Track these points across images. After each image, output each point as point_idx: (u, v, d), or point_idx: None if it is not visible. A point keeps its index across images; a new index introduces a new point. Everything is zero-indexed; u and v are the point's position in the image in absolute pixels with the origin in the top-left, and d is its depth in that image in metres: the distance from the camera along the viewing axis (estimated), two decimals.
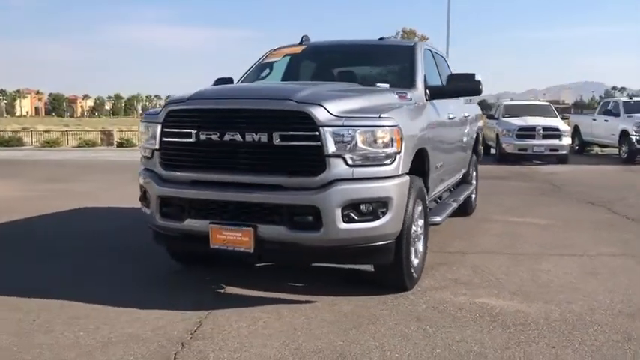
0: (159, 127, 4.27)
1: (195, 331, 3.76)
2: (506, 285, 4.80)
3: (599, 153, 21.72)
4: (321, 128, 3.83)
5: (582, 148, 21.37)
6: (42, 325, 3.84)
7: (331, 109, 3.89)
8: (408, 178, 4.19)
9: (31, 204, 8.94)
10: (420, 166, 4.65)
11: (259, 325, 3.86)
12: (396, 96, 4.68)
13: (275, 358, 3.38)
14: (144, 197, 4.56)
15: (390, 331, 3.77)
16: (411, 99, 4.82)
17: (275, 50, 6.27)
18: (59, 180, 12.48)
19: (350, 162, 3.88)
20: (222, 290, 4.64)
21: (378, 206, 3.97)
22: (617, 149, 18.78)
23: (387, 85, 5.11)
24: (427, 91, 5.27)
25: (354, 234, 3.94)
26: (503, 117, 18.73)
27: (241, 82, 5.89)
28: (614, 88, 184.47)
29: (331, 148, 3.84)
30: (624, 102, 19.62)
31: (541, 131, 17.36)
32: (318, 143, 3.84)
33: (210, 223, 4.07)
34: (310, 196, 3.86)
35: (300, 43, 6.23)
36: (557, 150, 17.27)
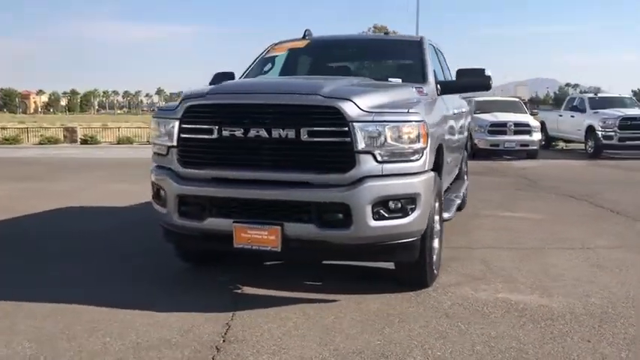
0: (176, 124, 4.11)
1: (225, 333, 3.63)
2: (521, 279, 4.83)
3: (564, 148, 22.30)
4: (351, 124, 3.74)
5: (548, 144, 21.85)
6: (62, 332, 3.65)
7: (360, 104, 3.81)
8: (432, 174, 4.15)
9: (9, 204, 8.57)
10: (435, 161, 4.62)
11: (290, 326, 3.76)
12: (415, 91, 4.63)
13: (317, 359, 3.28)
14: (157, 195, 4.39)
15: (424, 329, 3.72)
16: (427, 94, 4.78)
17: (277, 44, 6.14)
18: (31, 179, 12.01)
19: (379, 158, 3.81)
20: (240, 291, 4.51)
21: (407, 203, 3.92)
22: (584, 144, 19.33)
23: (399, 81, 5.05)
24: (438, 86, 5.24)
25: (384, 231, 3.87)
26: (475, 113, 18.96)
27: (245, 77, 5.74)
28: (567, 84, 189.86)
29: (361, 143, 3.76)
30: (590, 98, 20.20)
31: (512, 127, 17.69)
32: (348, 139, 3.76)
33: (233, 222, 3.94)
34: (341, 193, 3.78)
35: (304, 37, 6.12)
36: (527, 145, 17.64)
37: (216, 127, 3.94)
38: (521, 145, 17.57)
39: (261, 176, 3.94)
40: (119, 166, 15.12)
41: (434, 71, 5.38)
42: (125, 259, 5.44)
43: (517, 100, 22.48)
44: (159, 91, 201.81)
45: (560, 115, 21.17)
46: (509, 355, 3.36)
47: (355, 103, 3.79)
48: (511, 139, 17.56)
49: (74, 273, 5.00)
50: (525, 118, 18.40)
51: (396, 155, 3.86)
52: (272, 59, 5.91)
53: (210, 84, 5.77)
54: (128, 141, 25.46)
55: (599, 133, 18.11)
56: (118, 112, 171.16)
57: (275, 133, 3.82)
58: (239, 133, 3.89)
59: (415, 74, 5.30)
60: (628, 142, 17.79)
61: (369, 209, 3.78)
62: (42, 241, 6.21)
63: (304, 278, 4.82)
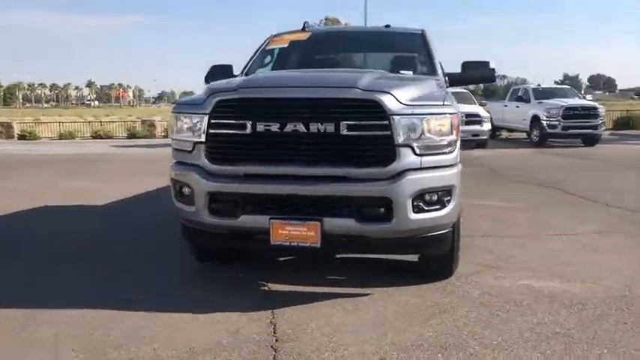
0: (204, 119, 3.96)
1: (275, 332, 3.56)
2: (534, 266, 4.97)
3: (508, 137, 23.12)
4: (391, 117, 3.73)
5: (493, 133, 22.56)
6: (107, 340, 3.47)
7: (399, 97, 3.80)
8: (460, 165, 4.20)
9: None
10: None
11: (336, 322, 3.73)
12: (435, 83, 4.66)
13: (380, 354, 3.27)
14: (180, 193, 4.23)
15: (467, 319, 3.77)
16: (442, 87, 4.83)
17: (276, 36, 6.03)
18: None
19: (417, 151, 3.82)
20: (266, 288, 4.43)
21: (443, 195, 3.95)
22: (528, 133, 20.14)
23: (411, 73, 5.08)
24: (446, 78, 5.31)
25: (423, 224, 3.89)
26: None
27: (247, 69, 5.61)
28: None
29: (401, 137, 3.76)
30: (534, 89, 21.05)
31: (464, 117, 18.12)
32: (388, 132, 3.74)
33: (270, 219, 3.85)
34: (382, 187, 3.76)
35: (303, 29, 6.04)
36: (478, 135, 18.17)
37: (250, 122, 3.83)
38: (473, 135, 18.05)
39: (298, 171, 3.86)
40: (68, 162, 14.52)
41: (440, 63, 5.43)
42: (137, 259, 5.26)
43: (466, 91, 23.06)
44: (89, 84, 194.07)
45: (506, 106, 21.94)
46: (558, 340, 3.45)
47: (394, 96, 3.78)
48: (463, 129, 17.95)
49: (94, 276, 4.78)
50: (476, 108, 18.93)
51: (432, 148, 3.88)
52: (273, 51, 5.80)
53: (208, 77, 5.63)
54: (70, 136, 24.42)
55: (544, 122, 18.92)
56: (46, 105, 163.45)
57: (313, 128, 3.76)
58: (275, 128, 3.80)
59: (424, 67, 5.35)
60: (570, 131, 18.68)
61: (409, 202, 3.79)
62: (43, 244, 5.89)
63: (325, 273, 4.79)
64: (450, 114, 3.93)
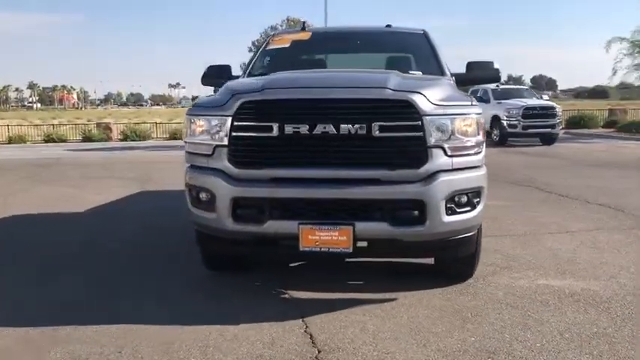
0: (227, 121, 3.79)
1: (314, 343, 3.43)
2: (544, 265, 5.00)
3: None
4: (423, 117, 3.66)
5: None
6: (136, 356, 3.25)
7: (430, 97, 3.73)
8: (485, 167, 4.16)
9: None
10: None
11: (373, 330, 3.62)
12: (451, 84, 4.62)
13: None
14: (198, 200, 4.03)
15: (503, 321, 3.74)
16: (455, 87, 4.79)
17: (276, 36, 5.88)
18: None
19: (449, 152, 3.76)
20: (287, 296, 4.29)
21: (473, 196, 3.91)
22: (488, 133, 20.52)
23: (420, 73, 5.03)
24: (453, 78, 5.28)
25: (455, 226, 3.83)
26: None
27: (249, 70, 5.44)
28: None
29: (432, 137, 3.69)
30: (493, 90, 21.48)
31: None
32: (420, 133, 3.67)
33: (299, 224, 3.71)
34: (416, 189, 3.68)
35: (303, 29, 5.91)
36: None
37: (277, 124, 3.69)
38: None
39: (328, 175, 3.74)
40: (29, 167, 13.90)
41: (446, 64, 5.40)
42: (143, 270, 5.01)
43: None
44: (31, 86, 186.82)
45: None
46: (599, 340, 3.45)
47: (426, 97, 3.71)
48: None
49: (107, 288, 4.52)
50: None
51: (461, 149, 3.83)
52: (274, 51, 5.64)
53: (205, 77, 5.44)
54: (21, 140, 23.40)
55: (504, 122, 19.41)
56: None
57: (344, 129, 3.64)
58: (304, 130, 3.67)
59: (431, 67, 5.29)
60: (530, 130, 19.22)
61: (443, 205, 3.72)
62: (29, 253, 5.53)
63: (341, 278, 4.67)
64: (476, 114, 3.90)
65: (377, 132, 3.63)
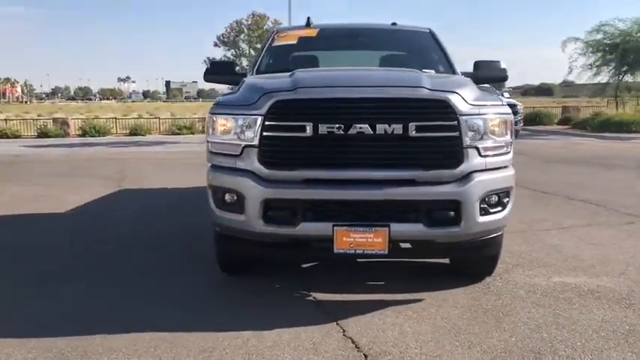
0: (259, 120, 3.68)
1: (357, 348, 3.36)
2: (552, 262, 5.08)
3: None
4: (460, 117, 3.64)
5: None
6: None
7: (466, 97, 3.72)
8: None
9: None
10: None
11: (411, 332, 3.59)
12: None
13: None
14: (223, 201, 3.90)
15: (536, 320, 3.76)
16: None
17: (281, 33, 5.76)
18: None
19: (482, 152, 3.76)
20: (312, 298, 4.21)
21: (504, 196, 3.92)
22: None
23: (433, 72, 5.01)
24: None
25: (487, 226, 3.84)
26: None
27: (257, 67, 5.31)
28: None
29: (468, 137, 3.68)
30: None
31: None
32: (457, 133, 3.65)
33: (334, 226, 3.64)
34: (452, 190, 3.67)
35: (307, 25, 5.81)
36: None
37: (311, 123, 3.60)
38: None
39: (363, 175, 3.68)
40: None
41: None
42: (152, 273, 4.82)
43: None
44: None
45: None
46: (632, 337, 3.51)
47: (462, 96, 3.69)
48: None
49: (120, 294, 4.32)
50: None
51: (493, 149, 3.84)
52: (282, 48, 5.52)
53: (208, 74, 5.29)
54: None
55: None
56: None
57: (380, 129, 3.59)
58: (339, 130, 3.59)
59: (441, 66, 5.29)
60: None
61: (477, 205, 3.72)
62: (35, 260, 5.24)
63: (359, 278, 4.62)
64: (507, 114, 3.91)
65: (413, 132, 3.60)
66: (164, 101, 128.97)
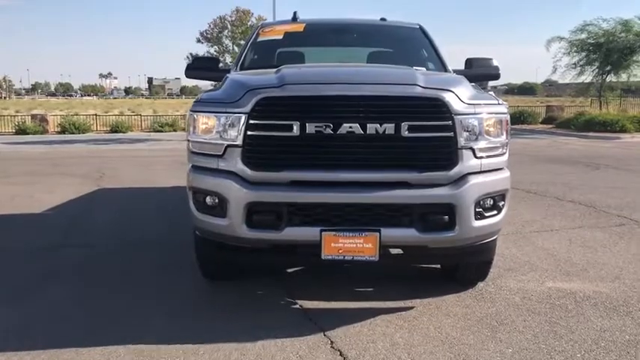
0: (242, 119, 3.46)
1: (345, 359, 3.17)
2: (544, 266, 4.94)
3: None
4: (455, 117, 3.46)
5: None
6: None
7: (462, 95, 3.54)
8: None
9: None
10: None
11: (403, 343, 3.41)
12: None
13: None
14: (204, 204, 3.68)
15: (533, 330, 3.61)
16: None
17: (266, 27, 5.53)
18: None
19: (477, 153, 3.59)
20: (299, 306, 4.00)
21: (499, 199, 3.75)
22: None
23: (424, 69, 4.83)
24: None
25: (482, 231, 3.66)
26: None
27: (241, 63, 5.08)
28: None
29: (463, 138, 3.50)
30: None
31: None
32: (451, 134, 3.47)
33: (322, 231, 3.44)
34: (447, 193, 3.48)
35: (294, 20, 5.59)
36: None
37: (298, 122, 3.39)
38: None
39: (353, 177, 3.48)
40: None
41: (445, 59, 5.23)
42: (132, 278, 4.58)
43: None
44: None
45: None
46: (635, 347, 3.36)
47: (457, 95, 3.51)
48: None
49: (97, 303, 4.06)
50: None
51: (488, 150, 3.67)
52: (266, 43, 5.30)
53: (190, 70, 5.07)
54: None
55: None
56: None
57: (371, 129, 3.39)
58: (327, 129, 3.39)
59: (432, 63, 5.11)
60: None
61: (472, 209, 3.54)
62: (19, 262, 4.97)
63: (346, 284, 4.43)
64: (503, 114, 3.74)
65: (406, 132, 3.40)
66: (146, 98, 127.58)
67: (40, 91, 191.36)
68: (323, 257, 3.46)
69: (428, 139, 3.47)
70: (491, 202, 3.70)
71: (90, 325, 3.63)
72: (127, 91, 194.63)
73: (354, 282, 4.47)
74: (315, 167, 3.47)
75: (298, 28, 5.34)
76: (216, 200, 3.60)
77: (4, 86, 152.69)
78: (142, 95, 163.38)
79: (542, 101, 46.11)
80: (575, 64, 26.12)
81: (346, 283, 4.43)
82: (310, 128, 3.39)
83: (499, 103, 3.75)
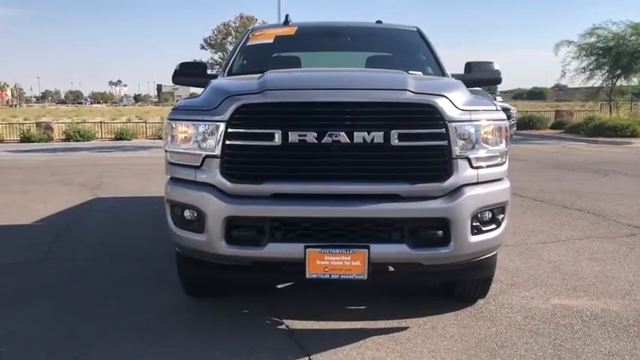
0: (221, 127, 3.23)
1: None
2: (550, 281, 4.68)
3: None
4: (449, 124, 3.21)
5: None
6: None
7: (455, 101, 3.29)
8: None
9: None
10: None
11: None
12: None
13: None
14: (182, 219, 3.45)
15: (535, 354, 3.35)
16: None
17: (256, 31, 5.31)
18: None
19: (474, 163, 3.33)
20: (285, 327, 3.75)
21: (498, 212, 3.49)
22: None
23: (420, 74, 4.59)
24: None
25: (480, 247, 3.40)
26: None
27: (229, 68, 4.86)
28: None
29: (458, 147, 3.25)
30: None
31: None
32: (445, 142, 3.22)
33: (306, 247, 3.19)
34: (440, 206, 3.23)
35: (286, 23, 5.37)
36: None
37: (280, 131, 3.16)
38: None
39: (340, 190, 3.23)
40: None
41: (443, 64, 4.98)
42: (109, 296, 4.35)
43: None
44: None
45: None
46: None
47: (450, 100, 3.26)
48: None
49: (68, 323, 3.81)
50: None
51: (486, 159, 3.41)
52: (256, 47, 5.07)
53: (177, 76, 4.86)
54: None
55: None
56: None
57: (358, 137, 3.15)
58: (312, 138, 3.15)
59: (430, 67, 4.86)
60: None
61: (468, 223, 3.28)
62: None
63: (338, 301, 4.18)
64: (502, 120, 3.48)
65: (396, 141, 3.16)
66: (155, 104, 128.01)
67: (50, 99, 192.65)
68: (308, 276, 3.21)
69: (420, 148, 3.22)
70: (490, 216, 3.44)
71: (54, 355, 3.38)
72: (137, 99, 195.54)
73: (345, 299, 4.22)
74: (299, 179, 3.23)
75: (289, 31, 5.11)
76: (195, 214, 3.37)
77: (15, 94, 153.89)
78: (152, 102, 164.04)
79: (551, 106, 45.64)
80: (584, 68, 25.74)
81: (336, 300, 4.17)
82: (293, 137, 3.15)
83: (497, 109, 3.50)
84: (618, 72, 24.89)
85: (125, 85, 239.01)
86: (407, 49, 5.26)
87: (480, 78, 4.96)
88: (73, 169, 12.65)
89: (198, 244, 3.36)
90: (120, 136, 22.97)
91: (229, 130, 3.22)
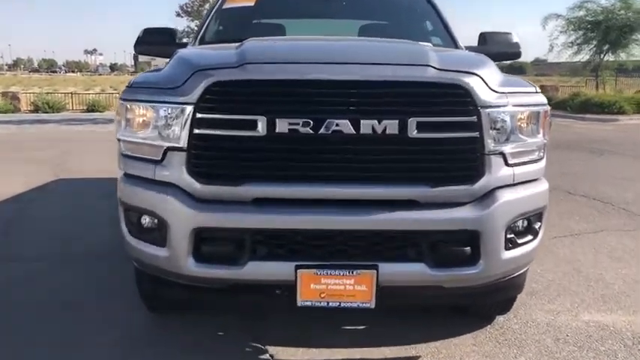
0: (187, 111, 2.48)
1: None
2: (573, 288, 4.11)
3: None
4: (482, 110, 2.50)
5: None
6: None
7: (489, 80, 2.58)
8: None
9: None
10: None
11: None
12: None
13: None
14: (139, 227, 2.72)
15: None
16: None
17: None
18: None
19: (510, 160, 2.64)
20: (267, 356, 3.07)
21: (535, 220, 2.82)
22: None
23: (430, 45, 3.85)
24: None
25: (513, 264, 2.73)
26: None
27: (203, 34, 4.08)
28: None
29: (492, 139, 2.55)
30: None
31: None
32: (476, 133, 2.51)
33: (297, 267, 2.48)
34: (469, 216, 2.53)
35: None
36: None
37: (265, 117, 2.41)
38: None
39: (340, 194, 2.51)
40: None
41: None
42: (58, 314, 3.61)
43: None
44: None
45: None
46: None
47: (483, 80, 2.55)
48: None
49: (26, 343, 3.08)
50: None
51: (523, 154, 2.73)
52: (236, 11, 4.28)
53: (139, 44, 4.06)
54: None
55: None
56: None
57: (366, 127, 2.42)
58: (306, 127, 2.41)
59: (438, 37, 4.14)
60: None
61: (502, 235, 2.60)
62: None
63: (333, 321, 3.49)
64: (543, 105, 2.79)
65: (414, 131, 2.44)
66: (132, 74, 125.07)
67: (22, 67, 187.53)
68: (299, 303, 2.52)
69: (444, 140, 2.50)
70: (526, 225, 2.77)
71: None
72: (113, 68, 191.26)
73: (342, 318, 3.52)
74: (289, 180, 2.50)
75: None
76: (154, 222, 2.63)
77: None
78: (128, 72, 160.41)
79: (533, 80, 44.99)
80: (572, 42, 25.17)
81: (329, 320, 3.47)
82: (281, 126, 2.41)
83: (537, 91, 2.80)
84: (606, 47, 24.36)
85: (101, 54, 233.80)
86: (412, 16, 4.50)
87: (497, 51, 4.22)
88: (37, 144, 11.72)
89: (159, 261, 2.64)
90: (92, 108, 21.84)
91: (198, 115, 2.46)
